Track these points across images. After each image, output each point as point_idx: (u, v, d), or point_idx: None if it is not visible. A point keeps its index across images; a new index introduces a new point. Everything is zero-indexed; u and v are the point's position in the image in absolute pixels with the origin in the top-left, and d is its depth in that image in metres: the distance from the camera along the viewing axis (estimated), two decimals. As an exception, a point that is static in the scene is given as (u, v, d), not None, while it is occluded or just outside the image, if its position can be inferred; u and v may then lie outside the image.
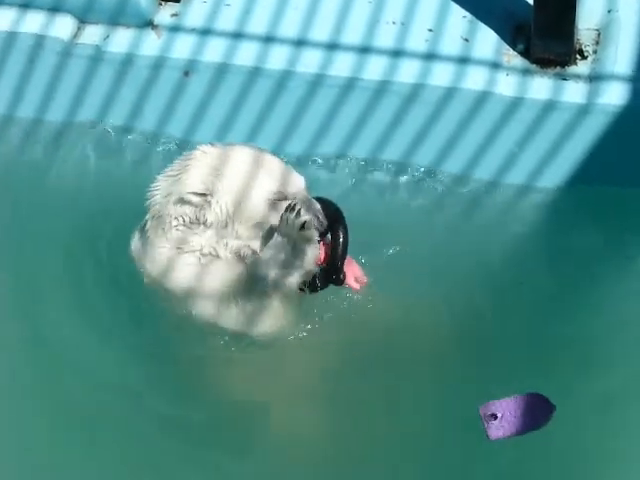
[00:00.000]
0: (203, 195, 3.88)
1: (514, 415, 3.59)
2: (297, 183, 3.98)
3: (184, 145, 4.93)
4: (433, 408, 4.07)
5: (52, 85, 4.94)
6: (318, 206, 3.90)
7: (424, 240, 4.67)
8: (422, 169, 4.83)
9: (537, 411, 3.59)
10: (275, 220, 3.89)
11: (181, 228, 3.93)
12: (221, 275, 3.95)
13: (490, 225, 4.77)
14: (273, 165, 3.97)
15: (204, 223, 3.91)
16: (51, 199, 4.70)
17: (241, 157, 3.94)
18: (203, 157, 3.94)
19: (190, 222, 3.91)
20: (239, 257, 3.95)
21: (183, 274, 3.96)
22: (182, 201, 3.89)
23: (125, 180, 4.86)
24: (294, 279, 3.93)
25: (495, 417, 3.60)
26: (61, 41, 4.88)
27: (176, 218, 3.91)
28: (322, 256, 4.00)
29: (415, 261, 4.55)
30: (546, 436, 3.62)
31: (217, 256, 3.94)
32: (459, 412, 3.86)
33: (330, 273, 4.01)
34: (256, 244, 3.95)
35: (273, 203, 3.91)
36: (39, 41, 4.89)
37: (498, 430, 3.59)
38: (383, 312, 4.28)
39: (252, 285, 3.94)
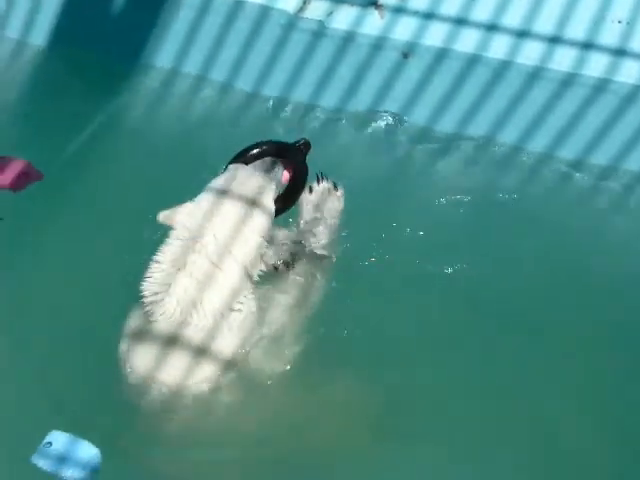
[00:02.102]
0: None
1: None
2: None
3: (395, 126, 5.01)
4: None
5: (273, 57, 4.96)
6: None
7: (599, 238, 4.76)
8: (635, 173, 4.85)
9: None
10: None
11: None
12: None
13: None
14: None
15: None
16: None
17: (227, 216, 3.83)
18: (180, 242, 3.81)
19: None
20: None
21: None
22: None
23: (340, 159, 4.85)
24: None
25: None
26: (287, 14, 4.90)
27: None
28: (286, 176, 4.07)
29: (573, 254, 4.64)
30: None
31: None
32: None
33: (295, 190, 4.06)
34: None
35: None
36: (265, 12, 4.91)
37: None
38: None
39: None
